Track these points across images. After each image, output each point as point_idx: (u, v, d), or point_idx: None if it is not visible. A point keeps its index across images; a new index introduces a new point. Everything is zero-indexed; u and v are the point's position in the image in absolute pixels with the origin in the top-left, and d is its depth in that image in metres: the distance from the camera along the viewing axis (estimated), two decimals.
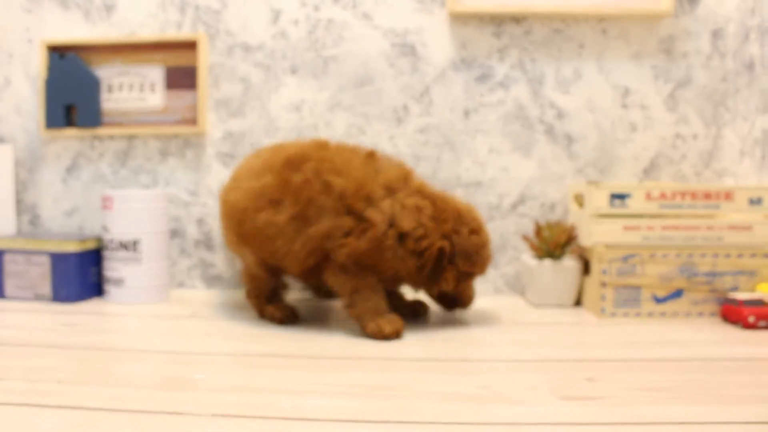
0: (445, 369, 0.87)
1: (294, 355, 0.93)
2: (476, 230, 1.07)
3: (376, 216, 1.00)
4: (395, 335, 1.01)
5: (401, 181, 1.05)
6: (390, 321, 1.02)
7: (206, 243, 1.38)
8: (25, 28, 1.40)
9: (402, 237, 1.01)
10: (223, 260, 1.38)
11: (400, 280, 1.07)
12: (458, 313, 1.19)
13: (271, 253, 1.07)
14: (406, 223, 1.01)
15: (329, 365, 0.88)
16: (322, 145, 1.08)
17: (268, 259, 1.09)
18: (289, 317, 1.11)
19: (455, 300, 1.14)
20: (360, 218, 1.01)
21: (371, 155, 1.07)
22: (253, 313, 1.17)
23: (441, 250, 1.03)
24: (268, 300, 1.15)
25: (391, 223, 1.01)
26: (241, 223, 1.08)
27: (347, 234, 1.01)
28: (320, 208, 1.02)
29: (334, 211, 1.01)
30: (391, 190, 1.03)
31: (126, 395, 0.76)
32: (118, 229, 1.25)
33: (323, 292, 1.31)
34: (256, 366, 0.88)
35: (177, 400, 0.74)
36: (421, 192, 1.05)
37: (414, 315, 1.17)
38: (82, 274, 1.27)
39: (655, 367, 0.88)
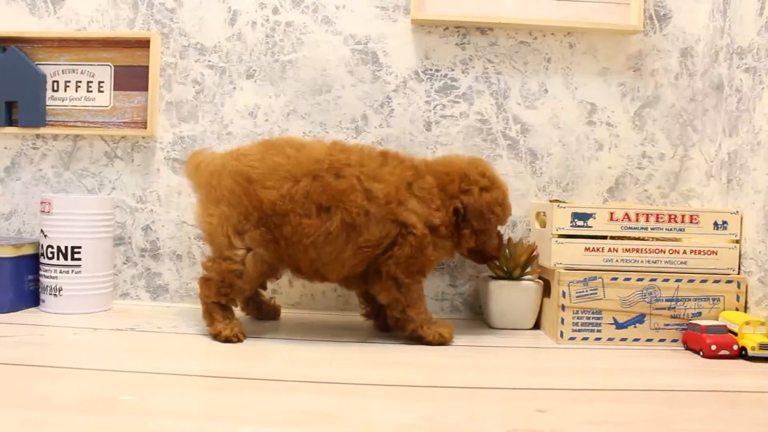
0: (388, 395, 0.82)
1: (233, 376, 0.87)
2: (487, 187, 1.10)
3: (413, 219, 1.05)
4: (451, 338, 1.08)
5: (412, 172, 1.08)
6: (445, 326, 1.09)
7: (153, 252, 1.32)
8: None
9: (434, 229, 1.07)
10: (169, 270, 1.32)
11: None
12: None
13: (312, 260, 1.06)
14: (435, 217, 1.07)
15: (268, 388, 0.83)
16: (341, 147, 1.09)
17: (303, 263, 1.07)
18: (237, 336, 1.05)
19: (481, 253, 1.16)
20: (400, 223, 1.05)
21: (385, 155, 1.10)
22: (199, 326, 1.10)
23: (456, 211, 1.09)
24: (226, 305, 1.07)
25: (424, 222, 1.06)
26: (280, 226, 1.04)
27: (393, 242, 1.06)
28: (367, 216, 1.04)
29: (380, 218, 1.04)
30: (409, 185, 1.07)
31: (40, 419, 0.69)
32: (57, 234, 1.18)
33: (369, 298, 1.20)
34: (191, 387, 0.82)
35: (96, 425, 0.68)
36: (422, 169, 1.10)
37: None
38: (17, 282, 1.19)
39: (609, 398, 0.83)
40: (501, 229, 1.18)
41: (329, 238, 1.04)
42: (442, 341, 1.07)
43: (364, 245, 1.04)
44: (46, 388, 0.79)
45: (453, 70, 1.29)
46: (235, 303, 1.10)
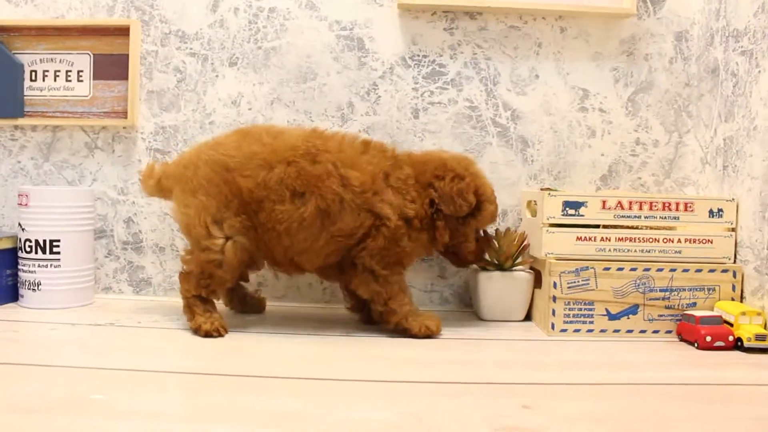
0: (370, 392, 0.79)
1: (211, 372, 0.84)
2: (461, 175, 1.06)
3: (387, 210, 1.03)
4: (439, 330, 1.05)
5: (390, 163, 1.06)
6: (431, 318, 1.06)
7: (135, 244, 1.29)
8: None
9: (408, 221, 1.05)
10: (152, 263, 1.29)
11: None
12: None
13: (286, 247, 1.04)
14: (409, 209, 1.04)
15: (244, 386, 0.80)
16: (320, 134, 1.07)
17: (277, 251, 1.05)
18: (217, 331, 1.02)
19: (457, 255, 1.13)
20: (374, 214, 1.03)
21: (367, 144, 1.07)
22: (180, 321, 1.07)
23: (431, 203, 1.06)
24: (206, 298, 1.05)
25: (399, 214, 1.03)
26: (257, 213, 1.03)
27: (367, 234, 1.03)
28: (341, 204, 1.02)
29: (354, 207, 1.02)
30: (386, 176, 1.05)
31: (21, 419, 0.67)
32: (35, 227, 1.15)
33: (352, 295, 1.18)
34: (165, 385, 0.79)
35: (63, 427, 0.65)
36: (402, 159, 1.08)
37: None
38: None
39: (600, 393, 0.80)
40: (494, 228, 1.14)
41: (303, 225, 1.02)
42: (429, 334, 1.05)
43: (337, 234, 1.02)
44: (14, 387, 0.76)
45: (441, 55, 1.25)
46: (217, 296, 1.07)
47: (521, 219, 1.25)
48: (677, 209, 1.11)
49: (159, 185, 1.11)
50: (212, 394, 0.76)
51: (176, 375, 0.83)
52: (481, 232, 1.13)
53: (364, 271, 1.04)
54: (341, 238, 1.03)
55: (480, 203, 1.07)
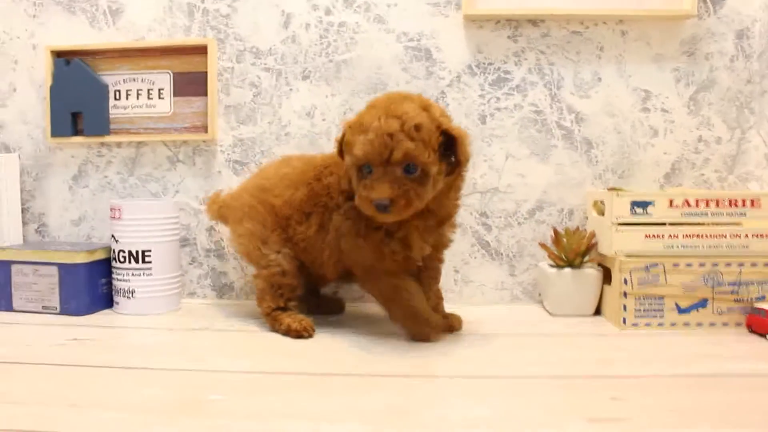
0: (463, 389, 0.84)
1: (309, 373, 0.90)
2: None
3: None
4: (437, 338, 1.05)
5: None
6: (432, 325, 1.05)
7: (217, 251, 1.36)
8: (29, 33, 1.37)
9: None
10: (234, 269, 1.35)
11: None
12: (471, 323, 1.15)
13: (311, 263, 1.12)
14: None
15: (344, 385, 0.85)
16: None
17: (309, 265, 1.13)
18: (306, 330, 1.08)
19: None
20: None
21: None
22: (266, 326, 1.13)
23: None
24: (285, 306, 1.11)
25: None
26: (286, 229, 1.12)
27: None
28: (329, 213, 1.08)
29: (332, 210, 1.07)
30: None
31: (141, 421, 0.73)
32: (128, 239, 1.22)
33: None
34: (271, 386, 0.85)
35: (188, 426, 0.72)
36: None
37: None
38: (91, 286, 1.24)
39: (681, 385, 0.84)
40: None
41: (311, 243, 1.10)
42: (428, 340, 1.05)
43: (329, 242, 1.08)
44: (139, 390, 0.83)
45: (506, 62, 1.30)
46: (293, 303, 1.13)
47: (587, 218, 1.29)
48: (743, 205, 1.14)
49: (219, 212, 1.25)
50: (314, 393, 0.82)
51: (277, 376, 0.89)
52: None
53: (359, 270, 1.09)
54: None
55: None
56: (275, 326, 1.10)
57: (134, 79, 1.35)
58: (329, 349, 1.02)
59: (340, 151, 1.01)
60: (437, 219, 1.04)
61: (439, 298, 1.14)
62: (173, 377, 0.88)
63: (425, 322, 1.04)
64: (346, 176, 1.02)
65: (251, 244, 1.14)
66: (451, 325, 1.11)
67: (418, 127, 0.92)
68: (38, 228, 1.40)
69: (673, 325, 1.12)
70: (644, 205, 1.14)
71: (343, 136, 0.99)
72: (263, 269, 1.13)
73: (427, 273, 1.12)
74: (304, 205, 1.10)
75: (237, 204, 1.18)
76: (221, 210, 1.24)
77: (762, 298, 1.12)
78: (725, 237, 1.14)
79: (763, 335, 1.06)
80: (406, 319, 1.05)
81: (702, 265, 1.12)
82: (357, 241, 1.03)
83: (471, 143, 1.01)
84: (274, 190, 1.13)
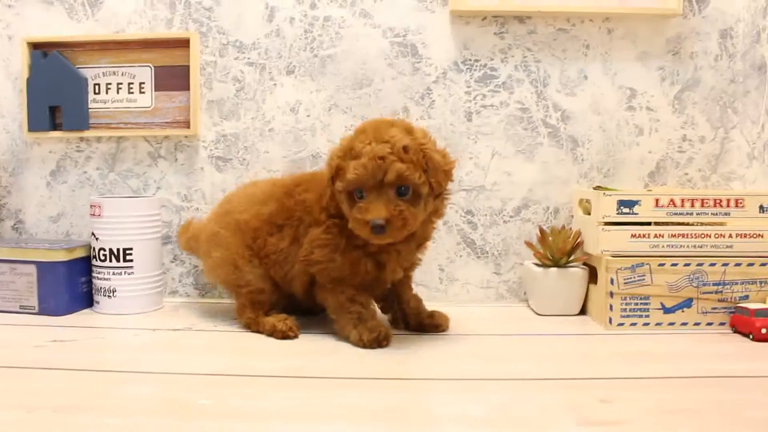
0: (454, 388, 0.84)
1: (298, 374, 0.89)
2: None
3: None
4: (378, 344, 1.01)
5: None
6: (371, 328, 1.01)
7: None
8: (5, 24, 1.34)
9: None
10: None
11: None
12: (453, 321, 1.14)
13: (282, 277, 1.10)
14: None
15: (335, 385, 0.84)
16: (309, 175, 1.13)
17: (279, 282, 1.11)
18: (292, 330, 1.06)
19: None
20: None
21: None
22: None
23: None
24: (266, 314, 1.10)
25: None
26: (255, 242, 1.10)
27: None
28: (305, 227, 1.06)
29: (309, 224, 1.06)
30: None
31: (131, 424, 0.71)
32: (108, 237, 1.20)
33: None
34: (261, 387, 0.84)
35: (186, 429, 0.71)
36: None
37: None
38: (71, 285, 1.21)
39: (670, 386, 0.85)
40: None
41: (284, 255, 1.08)
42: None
43: (301, 254, 1.07)
44: (126, 393, 0.81)
45: (492, 59, 1.29)
46: (274, 312, 1.12)
47: (572, 216, 1.29)
48: (728, 205, 1.15)
49: (188, 244, 1.24)
50: (305, 392, 0.81)
51: (266, 378, 0.87)
52: None
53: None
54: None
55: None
56: (258, 329, 1.09)
57: (114, 73, 1.32)
58: (316, 349, 1.01)
59: (333, 177, 1.00)
60: (416, 242, 1.06)
61: (418, 300, 1.14)
62: (158, 380, 0.86)
63: (373, 327, 1.02)
64: (330, 196, 1.02)
65: (223, 271, 1.13)
66: (437, 324, 1.10)
67: (406, 149, 0.95)
68: (15, 225, 1.37)
69: (658, 324, 1.13)
70: (631, 204, 1.15)
71: (333, 161, 1.00)
72: (240, 288, 1.11)
73: (399, 282, 1.11)
74: (274, 217, 1.09)
75: (203, 236, 1.17)
76: (190, 242, 1.23)
77: (746, 298, 1.13)
78: (710, 237, 1.14)
79: (746, 335, 1.07)
80: (353, 327, 1.02)
81: (687, 264, 1.13)
82: (333, 255, 1.03)
83: (454, 167, 1.02)
84: (238, 208, 1.13)
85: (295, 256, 1.07)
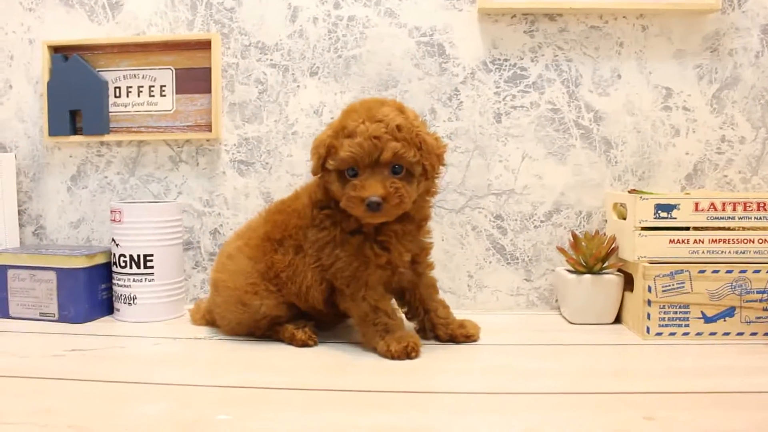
0: (485, 406, 0.79)
1: (321, 388, 0.85)
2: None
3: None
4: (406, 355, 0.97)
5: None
6: (399, 339, 0.98)
7: None
8: (26, 28, 1.32)
9: None
10: None
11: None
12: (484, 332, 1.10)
13: (297, 293, 1.04)
14: None
15: (359, 401, 0.81)
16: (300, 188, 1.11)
17: (296, 301, 1.06)
18: (312, 339, 1.04)
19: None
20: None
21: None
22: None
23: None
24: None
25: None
26: (257, 263, 1.06)
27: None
28: (303, 232, 1.03)
29: (306, 227, 1.03)
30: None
31: None
32: (129, 243, 1.17)
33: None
34: (281, 402, 0.80)
35: None
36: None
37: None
38: (91, 292, 1.19)
39: (719, 402, 0.80)
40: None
41: (293, 269, 1.04)
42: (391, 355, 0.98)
43: (309, 261, 1.04)
44: (140, 409, 0.78)
45: (522, 59, 1.25)
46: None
47: (606, 221, 1.24)
48: None
49: (205, 319, 1.17)
50: (329, 410, 0.77)
51: (286, 392, 0.84)
52: None
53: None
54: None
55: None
56: (278, 336, 1.06)
57: (135, 76, 1.30)
58: (338, 362, 0.97)
59: (324, 157, 0.97)
60: (415, 223, 1.03)
61: (446, 307, 1.09)
62: (177, 393, 0.83)
63: (401, 338, 0.99)
64: (321, 187, 1.01)
65: (235, 318, 1.07)
66: (469, 335, 1.06)
67: (399, 128, 0.94)
68: (35, 230, 1.35)
69: (698, 334, 1.08)
70: (669, 208, 1.10)
71: (324, 142, 0.97)
72: (259, 323, 1.07)
73: (422, 284, 1.08)
74: (271, 234, 1.05)
75: (214, 305, 1.11)
76: (206, 317, 1.16)
77: None
78: (753, 242, 1.09)
79: None
80: (380, 338, 0.99)
81: (729, 271, 1.07)
82: (335, 252, 1.00)
83: (446, 151, 1.01)
84: (231, 245, 1.10)
85: (304, 264, 1.03)
